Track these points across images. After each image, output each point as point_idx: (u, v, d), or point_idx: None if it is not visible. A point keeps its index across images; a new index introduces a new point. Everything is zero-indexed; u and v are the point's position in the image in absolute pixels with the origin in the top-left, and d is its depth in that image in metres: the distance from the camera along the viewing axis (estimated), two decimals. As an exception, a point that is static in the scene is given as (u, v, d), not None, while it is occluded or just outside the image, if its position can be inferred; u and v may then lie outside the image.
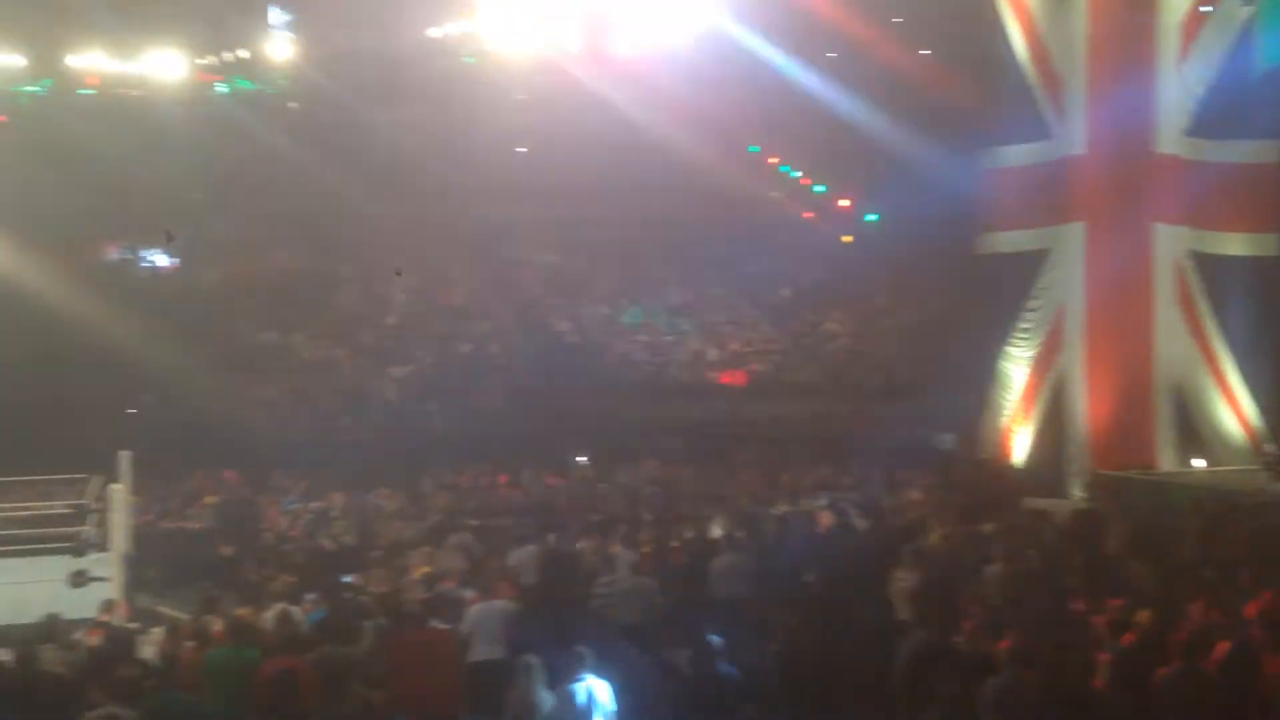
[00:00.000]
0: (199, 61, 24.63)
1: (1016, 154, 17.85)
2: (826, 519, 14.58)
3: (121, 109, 25.43)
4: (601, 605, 11.70)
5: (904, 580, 10.94)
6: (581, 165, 27.82)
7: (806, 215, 30.63)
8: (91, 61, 24.19)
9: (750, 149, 28.61)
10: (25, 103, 25.33)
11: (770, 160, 29.52)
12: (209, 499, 18.18)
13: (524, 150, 29.61)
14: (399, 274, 28.32)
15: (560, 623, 11.16)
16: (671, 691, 9.20)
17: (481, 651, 10.34)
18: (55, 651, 9.68)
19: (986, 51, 18.32)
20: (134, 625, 11.29)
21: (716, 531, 14.50)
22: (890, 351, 27.26)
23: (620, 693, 8.66)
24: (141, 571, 14.37)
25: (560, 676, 8.73)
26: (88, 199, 27.58)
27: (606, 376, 26.60)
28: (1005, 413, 17.89)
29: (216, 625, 10.19)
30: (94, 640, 10.08)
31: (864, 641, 9.70)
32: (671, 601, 11.52)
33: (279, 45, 24.04)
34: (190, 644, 9.81)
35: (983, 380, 18.32)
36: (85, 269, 26.07)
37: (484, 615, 10.57)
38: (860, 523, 14.32)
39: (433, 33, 23.64)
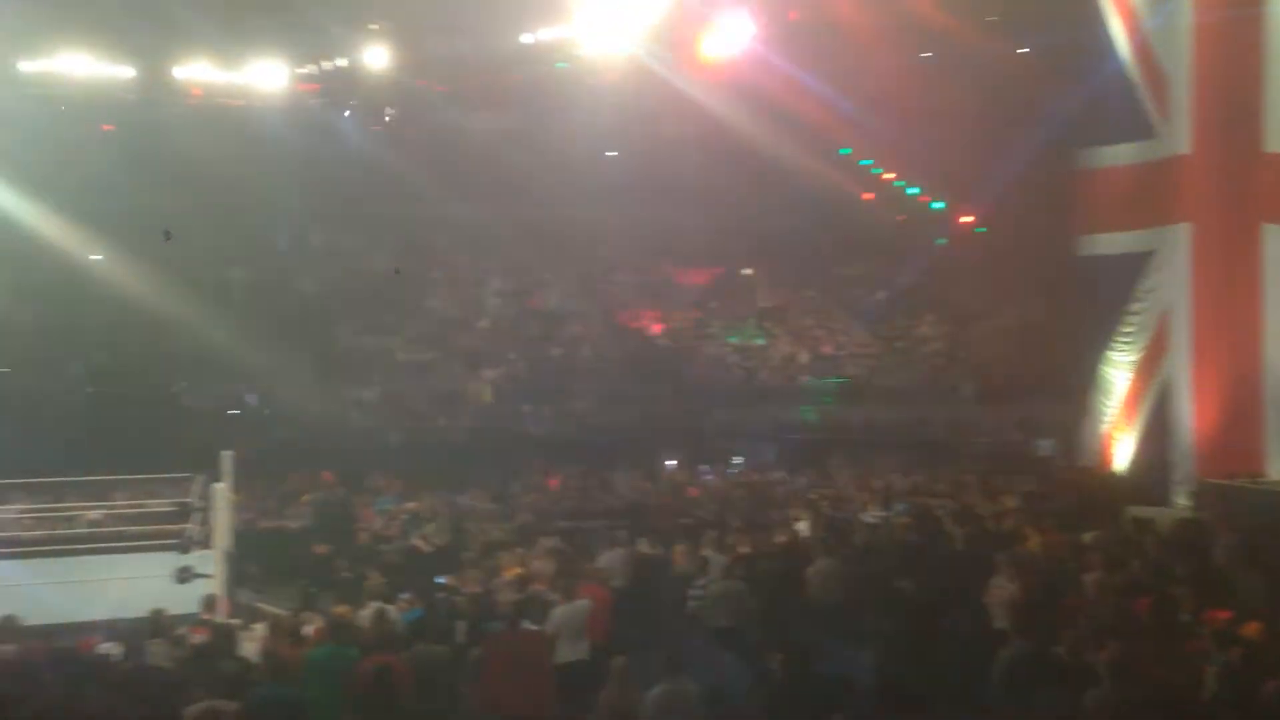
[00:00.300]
0: (299, 71, 25.16)
1: (1119, 153, 17.46)
2: (920, 525, 14.37)
3: (224, 118, 26.09)
4: (694, 609, 11.68)
5: (1002, 588, 10.75)
6: (672, 169, 27.87)
7: (900, 217, 30.28)
8: (196, 73, 24.85)
9: (842, 151, 28.36)
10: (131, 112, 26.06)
11: (863, 162, 29.24)
12: (306, 498, 18.48)
13: (615, 154, 29.74)
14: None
15: (650, 625, 11.19)
16: (763, 695, 9.14)
17: (565, 653, 10.37)
18: (161, 646, 9.93)
19: (1087, 49, 17.93)
20: (236, 621, 11.53)
21: (807, 536, 14.39)
22: (986, 355, 26.83)
23: (711, 695, 8.63)
24: (242, 569, 14.68)
25: (651, 678, 8.73)
26: (190, 206, 28.41)
27: (697, 380, 26.60)
28: (1107, 419, 17.50)
29: (315, 623, 10.38)
30: (198, 636, 10.31)
31: (960, 650, 9.54)
32: (763, 605, 11.46)
33: (375, 53, 24.42)
34: (289, 641, 9.98)
35: (1083, 385, 17.93)
36: (189, 274, 26.84)
37: (567, 616, 10.61)
38: (954, 529, 14.08)
39: (525, 38, 23.83)
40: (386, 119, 28.22)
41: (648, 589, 12.64)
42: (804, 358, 27.99)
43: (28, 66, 23.38)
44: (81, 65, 23.44)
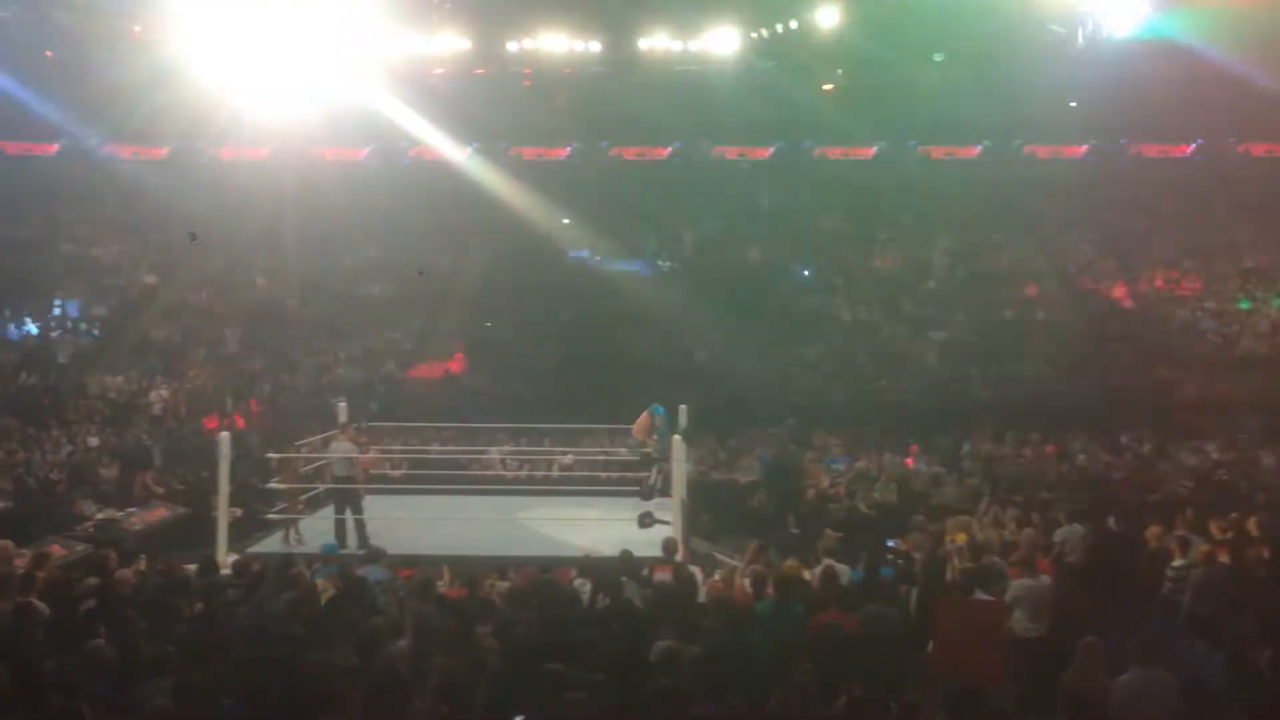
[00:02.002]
0: (752, 35, 25.69)
1: None
2: None
3: (680, 85, 27.21)
4: (1170, 592, 10.80)
5: None
6: (1140, 112, 25.76)
7: None
8: (657, 43, 26.11)
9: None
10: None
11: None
12: (755, 453, 18.95)
13: (1075, 105, 27.96)
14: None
15: (1114, 607, 10.46)
16: (1247, 693, 8.27)
17: (1023, 628, 9.95)
18: (632, 585, 10.52)
19: None
20: (694, 568, 12.00)
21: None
22: None
23: (1185, 688, 7.94)
24: (696, 517, 15.30)
25: (1118, 663, 8.16)
26: (647, 175, 29.99)
27: (1166, 347, 24.49)
28: None
29: (765, 576, 10.59)
30: (664, 576, 10.81)
31: None
32: (1251, 596, 10.35)
33: (826, 13, 24.39)
34: (742, 590, 10.26)
35: None
36: (642, 236, 28.40)
37: (1027, 591, 10.15)
38: None
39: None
40: (836, 78, 28.24)
41: (1111, 568, 11.80)
42: (1296, 323, 24.97)
43: (513, 46, 25.71)
44: (557, 43, 25.37)
